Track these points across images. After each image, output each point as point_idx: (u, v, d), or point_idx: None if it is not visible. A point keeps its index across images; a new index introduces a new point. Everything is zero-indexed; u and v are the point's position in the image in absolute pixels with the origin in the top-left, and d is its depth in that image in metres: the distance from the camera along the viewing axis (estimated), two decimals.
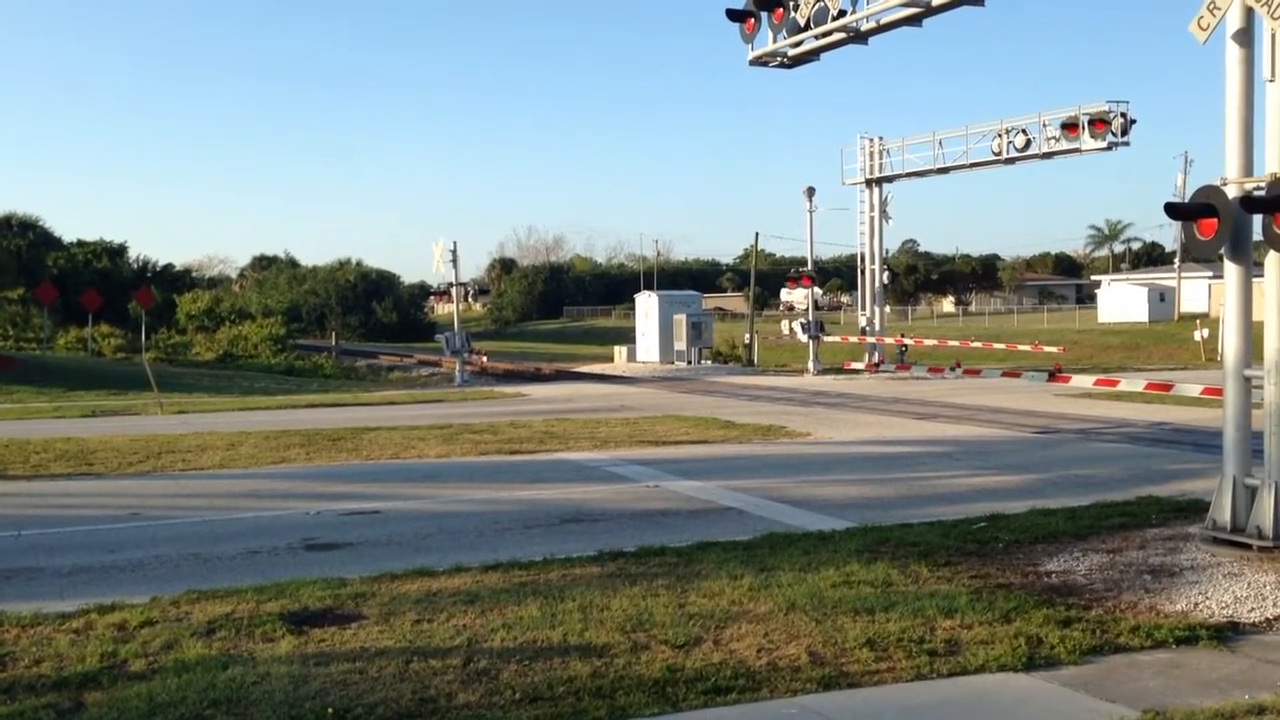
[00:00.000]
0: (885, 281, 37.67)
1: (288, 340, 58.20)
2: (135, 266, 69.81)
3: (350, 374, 50.08)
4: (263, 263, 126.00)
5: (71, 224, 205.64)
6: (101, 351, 47.28)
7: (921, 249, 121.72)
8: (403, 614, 7.88)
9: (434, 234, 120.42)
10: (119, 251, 68.61)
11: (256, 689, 6.35)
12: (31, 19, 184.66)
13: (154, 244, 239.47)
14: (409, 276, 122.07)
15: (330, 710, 6.00)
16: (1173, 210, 10.50)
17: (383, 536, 11.12)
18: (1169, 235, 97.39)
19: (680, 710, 6.11)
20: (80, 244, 67.73)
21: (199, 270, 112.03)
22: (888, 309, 42.54)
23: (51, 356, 43.15)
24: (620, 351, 46.51)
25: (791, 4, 16.91)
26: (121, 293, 52.45)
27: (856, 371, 36.40)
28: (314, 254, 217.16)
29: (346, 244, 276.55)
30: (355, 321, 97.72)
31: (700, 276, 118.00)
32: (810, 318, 37.58)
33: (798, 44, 17.21)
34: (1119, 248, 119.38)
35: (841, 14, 16.12)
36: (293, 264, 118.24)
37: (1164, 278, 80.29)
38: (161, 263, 74.32)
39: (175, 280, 72.91)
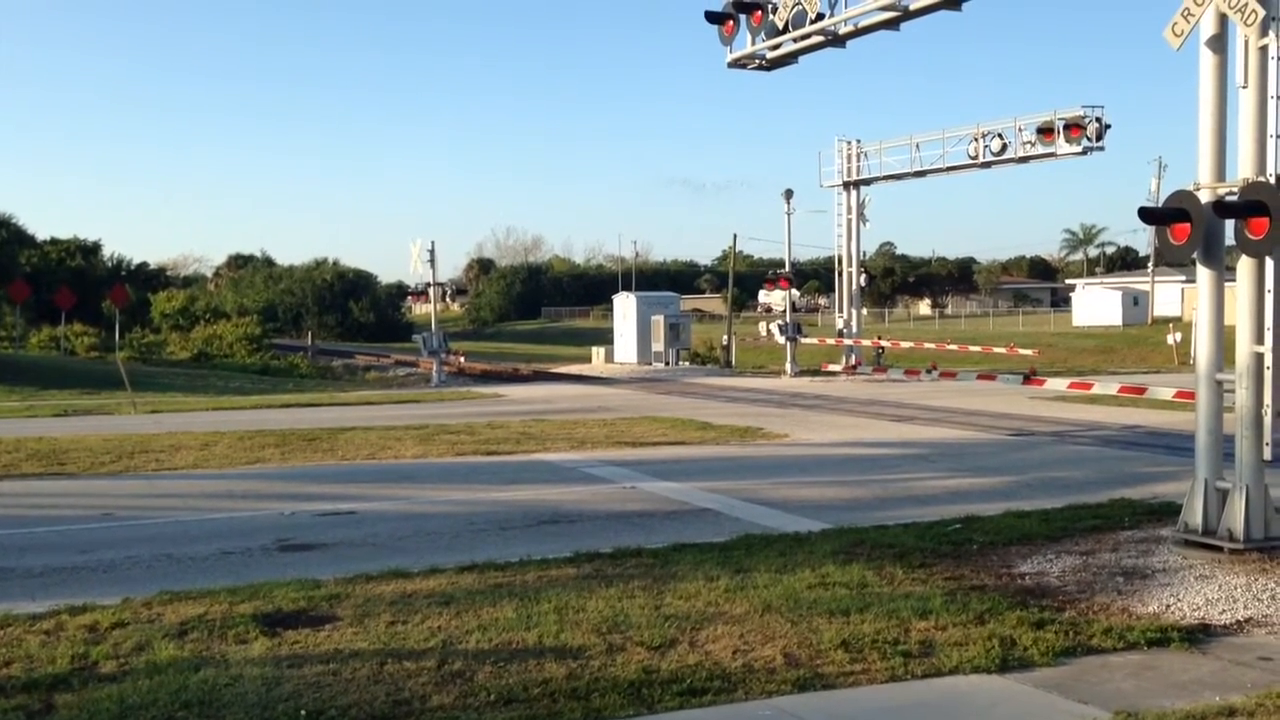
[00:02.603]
0: (862, 284, 37.78)
1: (263, 340, 57.84)
2: (109, 265, 69.28)
3: (326, 374, 49.80)
4: (238, 262, 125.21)
5: (45, 222, 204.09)
6: (74, 350, 46.88)
7: (898, 252, 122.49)
8: (377, 615, 7.85)
9: (412, 233, 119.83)
10: (93, 250, 68.03)
11: (229, 691, 6.31)
12: (2, 19, 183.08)
13: (128, 242, 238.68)
14: (386, 276, 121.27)
15: (303, 712, 5.97)
16: (1146, 215, 10.57)
17: (358, 537, 11.07)
18: (1143, 239, 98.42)
19: (656, 712, 6.11)
20: (54, 242, 67.09)
21: (174, 269, 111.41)
22: (865, 311, 42.68)
23: (24, 355, 42.76)
24: (598, 352, 46.51)
25: (770, 7, 16.95)
26: (95, 291, 52.09)
27: (834, 373, 36.50)
28: (290, 253, 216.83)
29: (323, 243, 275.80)
30: (332, 321, 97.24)
31: (678, 277, 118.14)
32: (788, 319, 37.68)
33: (776, 47, 17.25)
34: (1093, 251, 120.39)
35: (819, 17, 16.16)
36: (269, 263, 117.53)
37: (1138, 282, 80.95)
38: (136, 261, 73.88)
39: (150, 279, 72.36)
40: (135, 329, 54.80)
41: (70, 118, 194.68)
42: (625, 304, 44.50)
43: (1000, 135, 31.15)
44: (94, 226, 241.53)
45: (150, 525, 11.73)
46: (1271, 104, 9.13)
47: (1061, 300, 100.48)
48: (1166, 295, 75.52)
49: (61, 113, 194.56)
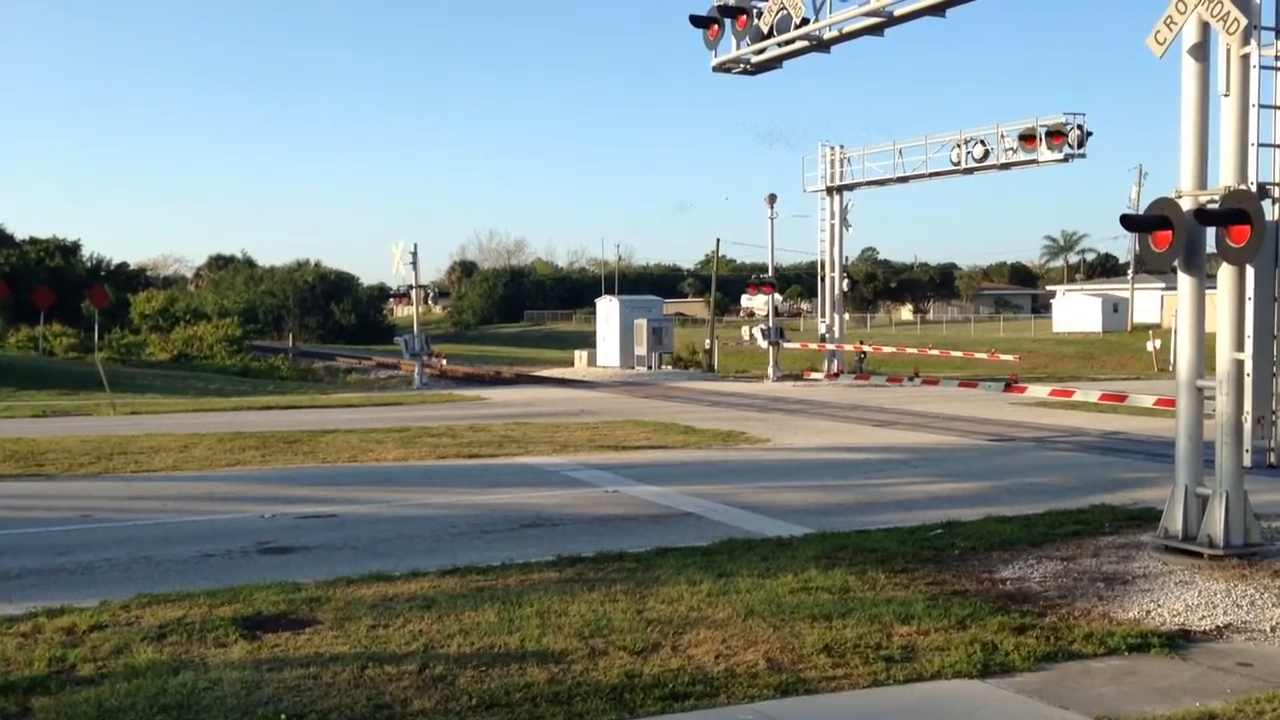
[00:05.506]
0: (845, 289, 37.86)
1: (244, 341, 57.65)
2: (89, 265, 68.65)
3: (307, 376, 49.64)
4: (219, 262, 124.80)
5: (24, 221, 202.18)
6: (53, 351, 46.56)
7: (881, 257, 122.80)
8: (358, 619, 7.80)
9: (394, 235, 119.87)
10: (72, 249, 67.45)
11: (208, 695, 6.26)
12: None
13: (108, 242, 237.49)
14: (368, 278, 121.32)
15: (283, 716, 5.93)
16: (1128, 222, 10.66)
17: (339, 540, 11.02)
18: (1123, 246, 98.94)
19: (638, 716, 6.09)
20: (33, 241, 66.52)
21: (154, 269, 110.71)
22: (847, 316, 42.76)
23: (2, 355, 42.43)
24: (581, 356, 46.44)
25: (754, 11, 16.97)
26: (74, 291, 51.62)
27: (816, 378, 36.56)
28: (272, 254, 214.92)
29: (305, 245, 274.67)
30: (313, 323, 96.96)
31: (661, 281, 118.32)
32: (771, 324, 37.70)
33: (760, 51, 17.27)
34: (1074, 258, 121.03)
35: (804, 22, 16.18)
36: (250, 264, 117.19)
37: (1117, 288, 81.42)
38: (116, 261, 73.18)
39: (130, 279, 71.88)
40: (114, 329, 54.43)
41: (50, 117, 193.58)
42: (608, 307, 44.47)
43: (983, 142, 31.30)
44: (73, 226, 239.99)
45: (129, 527, 11.64)
46: (1253, 112, 9.20)
47: (1042, 306, 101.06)
48: (1146, 302, 75.99)
49: (41, 112, 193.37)
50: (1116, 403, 22.85)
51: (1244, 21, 9.04)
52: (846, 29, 16.09)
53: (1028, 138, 30.02)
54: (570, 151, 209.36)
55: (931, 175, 33.77)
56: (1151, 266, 11.80)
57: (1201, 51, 9.63)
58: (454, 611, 7.99)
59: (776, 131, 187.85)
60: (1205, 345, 9.75)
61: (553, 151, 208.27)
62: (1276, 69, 9.35)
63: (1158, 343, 46.68)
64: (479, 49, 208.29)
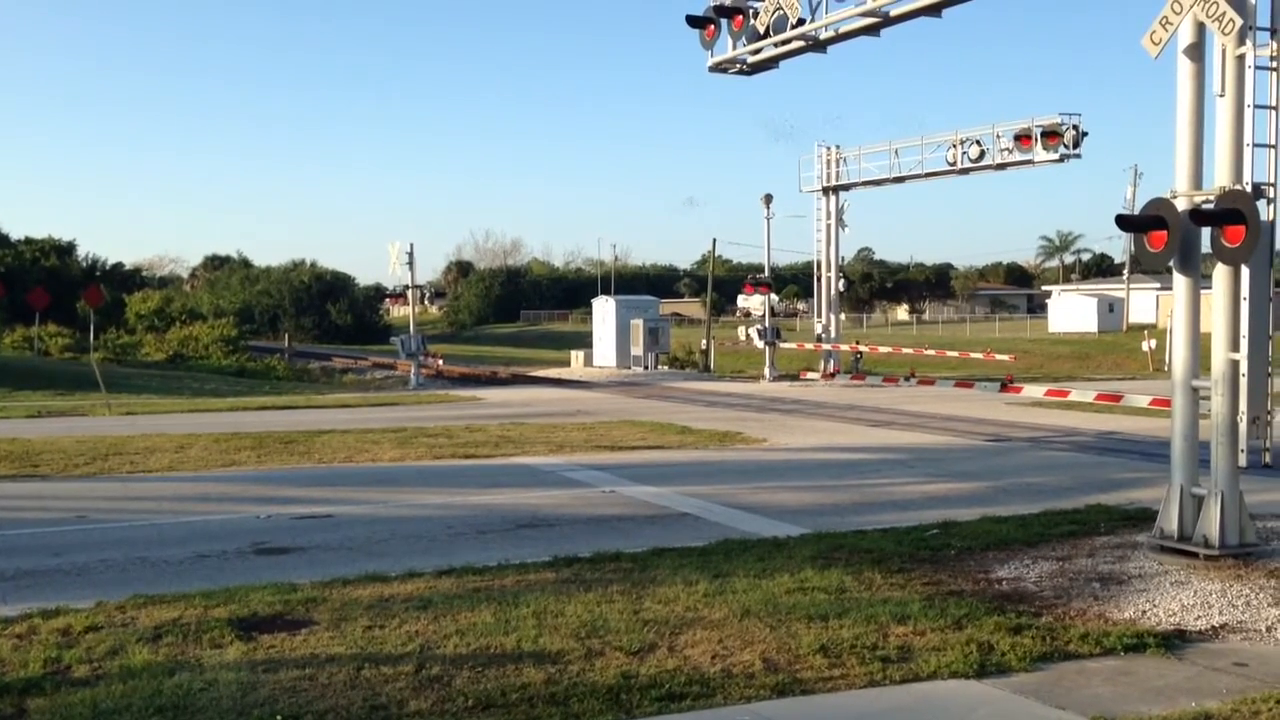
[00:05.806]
0: (841, 289, 37.86)
1: (240, 341, 57.61)
2: (84, 265, 68.62)
3: (303, 376, 49.62)
4: (215, 263, 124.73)
5: (19, 220, 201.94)
6: (48, 351, 46.50)
7: (877, 257, 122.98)
8: (354, 620, 7.79)
9: (390, 235, 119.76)
10: (68, 249, 67.40)
11: (203, 696, 6.25)
12: None
13: (104, 242, 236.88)
14: (364, 278, 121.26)
15: (279, 717, 5.92)
16: (1124, 222, 10.64)
17: (335, 541, 11.00)
18: (1118, 247, 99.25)
19: (634, 717, 6.08)
20: (28, 241, 66.44)
21: (150, 269, 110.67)
22: (843, 316, 42.78)
23: None
24: (577, 356, 46.43)
25: (751, 11, 16.99)
26: (70, 291, 51.60)
27: (812, 379, 36.57)
28: (268, 254, 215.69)
29: (301, 245, 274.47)
30: (309, 323, 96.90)
31: (658, 282, 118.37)
32: (767, 324, 37.72)
33: (757, 51, 17.30)
34: (1069, 258, 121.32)
35: (800, 22, 16.20)
36: (246, 264, 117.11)
37: (1113, 289, 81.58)
38: (111, 261, 73.20)
39: (125, 279, 71.83)
40: (110, 330, 54.35)
41: (44, 118, 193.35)
42: (604, 308, 44.47)
43: (978, 142, 31.31)
44: (69, 226, 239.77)
45: (124, 528, 11.63)
46: (1248, 112, 9.22)
47: (1038, 306, 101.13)
48: (1141, 302, 76.16)
49: (35, 113, 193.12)
50: (1112, 403, 22.87)
51: (1239, 22, 9.05)
52: (843, 29, 16.12)
53: (1023, 138, 30.04)
54: (566, 151, 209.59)
55: (927, 175, 33.79)
56: (1147, 267, 11.79)
57: (1197, 52, 9.64)
58: (450, 612, 7.99)
59: (783, 128, 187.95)
60: (1201, 345, 9.76)
61: (549, 151, 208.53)
62: (1272, 69, 9.36)
63: (1153, 343, 46.76)
64: (476, 49, 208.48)
